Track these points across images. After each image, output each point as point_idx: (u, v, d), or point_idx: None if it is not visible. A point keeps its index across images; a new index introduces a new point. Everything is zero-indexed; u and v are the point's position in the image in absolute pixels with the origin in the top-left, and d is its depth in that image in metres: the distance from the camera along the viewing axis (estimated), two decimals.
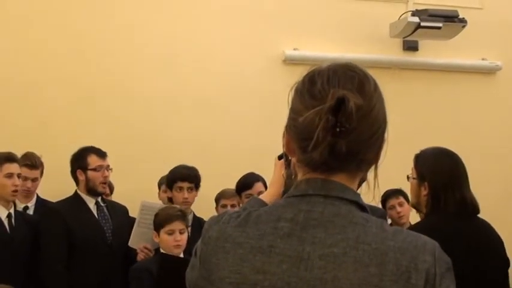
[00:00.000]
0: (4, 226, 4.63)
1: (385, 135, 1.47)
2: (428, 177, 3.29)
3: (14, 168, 4.71)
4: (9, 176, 4.67)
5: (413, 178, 3.38)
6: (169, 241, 4.29)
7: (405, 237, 1.41)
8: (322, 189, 1.45)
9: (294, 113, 1.48)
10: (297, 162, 1.52)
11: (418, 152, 3.41)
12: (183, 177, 4.97)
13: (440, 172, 3.28)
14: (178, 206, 4.59)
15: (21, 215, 4.83)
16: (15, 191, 4.71)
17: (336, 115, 1.35)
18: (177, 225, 4.31)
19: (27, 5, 6.07)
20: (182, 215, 4.37)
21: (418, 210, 3.53)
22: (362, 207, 1.46)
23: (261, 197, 2.00)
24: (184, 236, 4.34)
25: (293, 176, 1.94)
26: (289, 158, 1.95)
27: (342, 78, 1.44)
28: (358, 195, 1.48)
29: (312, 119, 1.37)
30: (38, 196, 5.28)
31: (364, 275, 1.35)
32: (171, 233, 4.30)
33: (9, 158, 4.72)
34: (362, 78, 1.45)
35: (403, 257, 1.37)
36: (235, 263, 1.43)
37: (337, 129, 1.35)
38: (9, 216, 4.67)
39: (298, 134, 1.45)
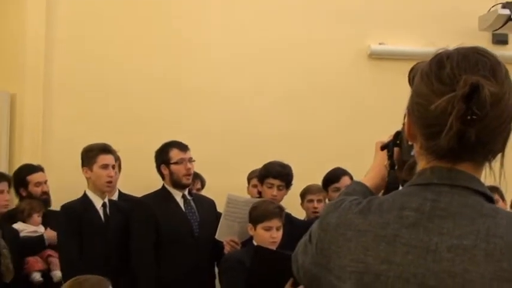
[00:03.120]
0: (99, 215, 4.76)
1: None
2: None
3: (109, 159, 4.83)
4: (105, 167, 4.78)
5: None
6: (265, 237, 4.26)
7: None
8: (449, 179, 1.39)
9: (419, 97, 1.41)
10: (419, 149, 1.46)
11: None
12: (276, 175, 4.89)
13: None
14: (275, 202, 4.55)
15: (114, 204, 4.94)
16: (110, 181, 4.83)
17: (467, 102, 1.29)
18: (275, 223, 4.28)
19: (118, 6, 6.19)
20: (280, 212, 4.33)
21: None
22: (490, 198, 1.41)
23: (360, 180, 1.96)
24: (280, 233, 4.30)
25: (396, 167, 1.92)
26: (393, 148, 1.92)
27: (473, 62, 1.36)
28: (485, 185, 1.42)
29: (444, 107, 1.31)
30: (119, 191, 5.37)
31: (495, 269, 1.30)
32: (268, 229, 4.27)
33: (104, 149, 4.84)
34: (494, 64, 1.37)
35: None
36: (358, 252, 1.39)
37: (468, 117, 1.29)
38: (104, 205, 4.80)
39: (423, 120, 1.39)
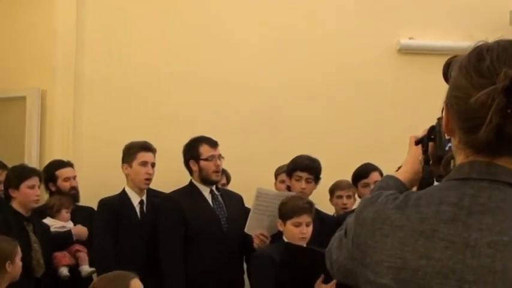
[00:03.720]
0: (136, 212, 4.79)
1: None
2: None
3: (148, 156, 4.87)
4: (144, 164, 4.82)
5: None
6: (295, 233, 4.26)
7: None
8: (488, 174, 1.37)
9: (457, 90, 1.39)
10: (457, 143, 1.44)
11: None
12: (304, 167, 4.89)
13: None
14: (305, 197, 4.54)
15: (151, 202, 4.95)
16: (148, 179, 4.86)
17: (508, 95, 1.27)
18: (305, 218, 4.27)
19: (147, 2, 6.21)
20: (310, 208, 4.32)
21: None
22: None
23: (394, 174, 1.94)
24: (310, 229, 4.29)
25: (430, 162, 1.90)
26: (428, 143, 1.91)
27: None
28: None
29: (483, 100, 1.29)
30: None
31: None
32: (297, 225, 4.26)
33: (144, 146, 4.88)
34: None
35: None
36: (395, 247, 1.38)
37: (508, 111, 1.27)
38: (141, 203, 4.82)
39: (462, 113, 1.37)
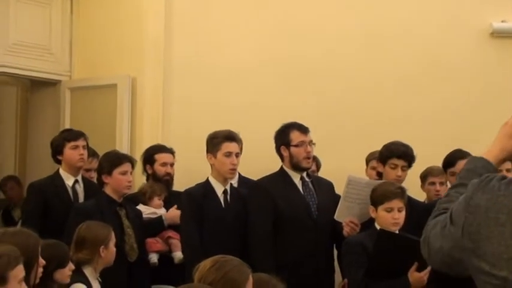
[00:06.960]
0: (220, 202, 4.79)
1: None
2: None
3: (233, 147, 4.81)
4: (228, 154, 4.77)
5: None
6: (387, 218, 4.19)
7: None
8: None
9: None
10: None
11: None
12: (400, 155, 4.77)
13: None
14: (396, 183, 4.47)
15: (236, 191, 4.94)
16: (233, 169, 4.82)
17: None
18: (396, 203, 4.20)
19: None
20: (401, 193, 4.25)
21: None
22: None
23: (482, 155, 1.87)
24: (403, 214, 4.22)
25: None
26: None
27: None
28: None
29: None
30: (239, 174, 5.35)
31: None
32: (389, 210, 4.20)
33: (229, 137, 4.82)
34: None
35: None
36: None
37: None
38: (224, 192, 4.81)
39: None
